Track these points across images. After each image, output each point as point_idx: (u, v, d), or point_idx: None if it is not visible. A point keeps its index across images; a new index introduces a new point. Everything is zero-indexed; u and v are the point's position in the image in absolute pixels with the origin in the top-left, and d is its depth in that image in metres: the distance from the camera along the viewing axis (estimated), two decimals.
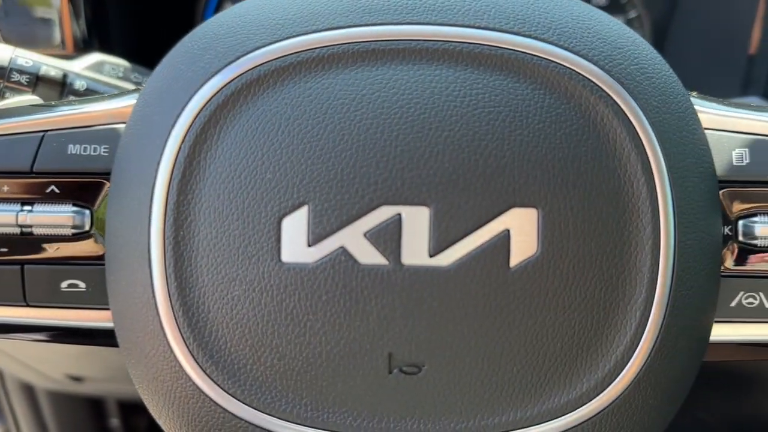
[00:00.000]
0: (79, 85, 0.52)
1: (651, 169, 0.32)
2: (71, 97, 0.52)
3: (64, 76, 0.51)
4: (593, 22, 0.34)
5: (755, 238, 0.35)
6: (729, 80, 0.72)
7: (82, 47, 0.65)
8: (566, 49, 0.32)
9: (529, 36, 0.32)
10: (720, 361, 0.70)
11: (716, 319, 0.36)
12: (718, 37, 0.76)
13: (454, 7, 0.33)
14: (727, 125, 0.36)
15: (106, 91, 0.53)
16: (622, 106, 0.32)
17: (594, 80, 0.32)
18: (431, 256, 0.31)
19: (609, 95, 0.32)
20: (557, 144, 0.31)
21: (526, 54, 0.32)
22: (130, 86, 0.56)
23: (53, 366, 0.81)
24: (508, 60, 0.32)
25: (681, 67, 0.87)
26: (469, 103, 0.32)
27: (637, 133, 0.32)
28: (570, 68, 0.32)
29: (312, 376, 0.32)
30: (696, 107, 0.36)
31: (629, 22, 0.87)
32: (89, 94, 0.53)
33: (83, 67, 0.55)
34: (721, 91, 0.77)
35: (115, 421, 1.02)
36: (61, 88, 0.52)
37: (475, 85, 0.32)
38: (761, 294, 0.35)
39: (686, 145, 0.33)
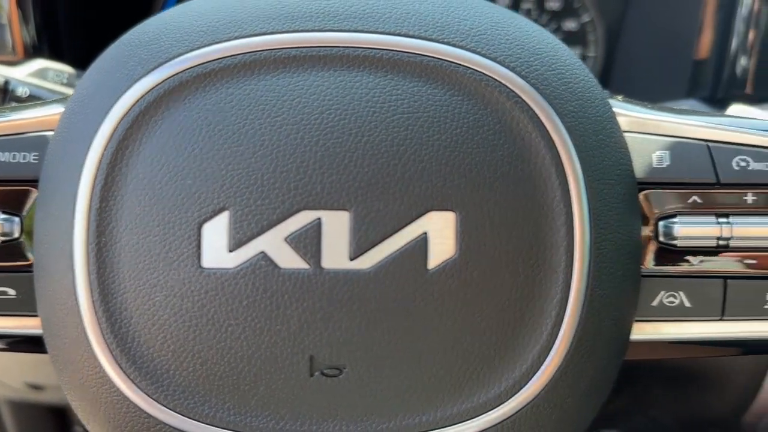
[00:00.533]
0: (22, 91, 0.52)
1: (565, 172, 0.32)
2: (13, 104, 0.52)
3: (6, 82, 0.51)
4: (513, 29, 0.35)
5: (675, 238, 0.36)
6: (677, 84, 0.74)
7: (32, 53, 0.65)
8: (484, 55, 0.33)
9: (448, 43, 0.33)
10: (667, 360, 0.71)
11: (638, 318, 0.37)
12: (666, 42, 0.78)
13: (375, 14, 0.33)
14: (648, 128, 0.37)
15: (49, 98, 0.53)
16: (537, 112, 0.33)
17: (510, 86, 0.33)
18: (351, 259, 0.32)
19: (525, 101, 0.33)
20: (474, 149, 0.32)
21: (445, 61, 0.33)
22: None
23: (11, 374, 0.80)
24: (426, 67, 0.33)
25: (631, 70, 0.88)
26: (388, 108, 0.32)
27: (552, 138, 0.33)
28: (487, 75, 0.33)
29: (234, 380, 0.32)
30: (617, 110, 0.37)
31: (583, 26, 0.88)
32: (32, 100, 0.53)
33: (27, 73, 0.55)
34: (668, 95, 0.79)
35: (79, 429, 1.01)
36: (2, 95, 0.51)
37: (394, 91, 0.32)
38: (681, 293, 0.36)
39: (603, 148, 0.34)
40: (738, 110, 0.46)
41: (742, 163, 0.36)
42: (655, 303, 0.36)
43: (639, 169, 0.36)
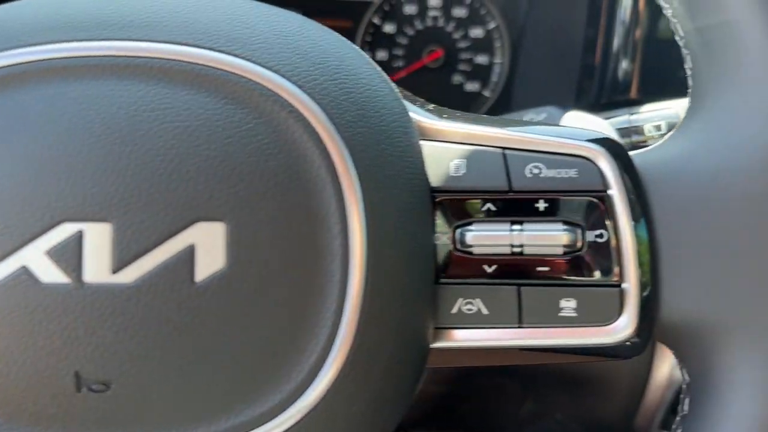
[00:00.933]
0: None
1: (340, 182, 0.32)
2: None
3: None
4: (297, 37, 0.35)
5: (471, 246, 0.36)
6: (568, 90, 0.74)
7: None
8: (259, 64, 0.33)
9: (222, 51, 0.33)
10: (566, 365, 0.71)
11: (439, 326, 0.36)
12: (560, 48, 0.78)
13: (146, 23, 0.33)
14: (447, 136, 0.37)
15: None
16: (313, 122, 0.32)
17: (285, 96, 0.32)
18: (113, 272, 0.31)
19: (300, 111, 0.32)
20: (245, 159, 0.32)
21: (218, 69, 0.32)
22: None
23: None
24: (198, 75, 0.32)
25: (532, 77, 0.89)
26: (156, 118, 0.32)
27: (327, 148, 0.32)
28: (261, 84, 0.32)
29: (3, 396, 0.31)
30: (418, 119, 0.37)
31: (489, 33, 0.88)
32: None
33: None
34: (563, 102, 0.79)
35: None
36: None
37: (164, 100, 0.32)
38: (478, 300, 0.36)
39: (385, 157, 0.34)
40: (573, 117, 0.46)
41: (535, 170, 0.36)
42: (454, 310, 0.36)
43: (435, 177, 0.36)
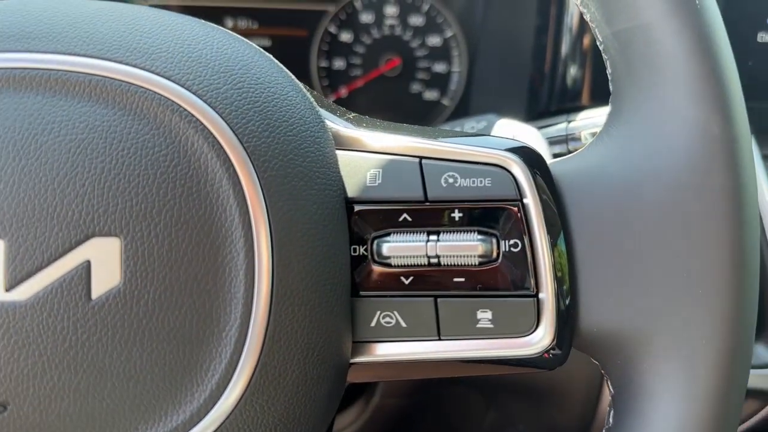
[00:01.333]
0: None
1: (244, 195, 0.31)
2: None
3: None
4: (201, 46, 0.34)
5: (388, 257, 0.35)
6: (522, 98, 0.74)
7: None
8: (157, 73, 0.32)
9: (120, 61, 0.32)
10: (526, 375, 0.70)
11: (359, 340, 0.36)
12: (513, 56, 0.78)
13: (45, 34, 0.32)
14: (364, 145, 0.36)
15: None
16: (215, 132, 0.32)
17: (184, 106, 0.32)
18: (7, 290, 0.30)
19: (200, 121, 0.32)
20: (142, 172, 0.31)
21: (115, 80, 0.32)
22: None
23: None
24: (96, 87, 0.32)
25: (486, 84, 0.88)
26: (51, 131, 0.31)
27: (230, 160, 0.31)
28: (160, 94, 0.32)
29: None
30: (333, 127, 0.36)
31: (446, 42, 0.88)
32: None
33: None
34: (515, 110, 0.79)
35: None
36: None
37: (60, 112, 0.31)
38: (396, 313, 0.35)
39: (294, 167, 0.33)
40: (505, 125, 0.46)
41: (450, 180, 0.35)
42: (373, 323, 0.35)
43: (351, 187, 0.36)
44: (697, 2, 0.33)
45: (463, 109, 0.88)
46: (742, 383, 0.33)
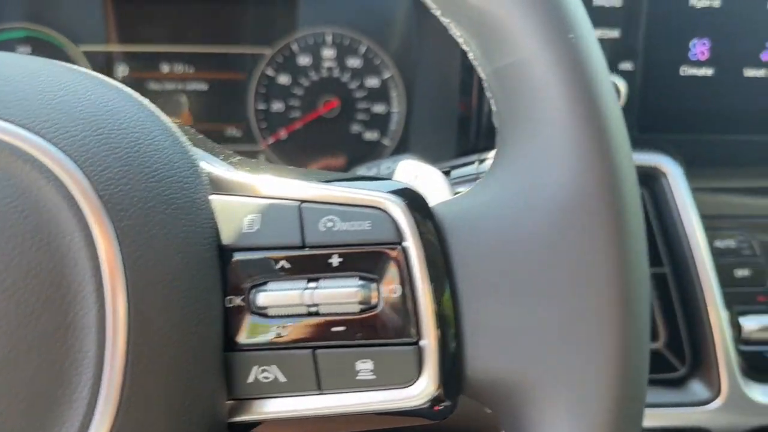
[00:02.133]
0: None
1: (96, 247, 0.30)
2: None
3: None
4: (61, 93, 0.32)
5: (265, 307, 0.33)
6: (453, 136, 0.73)
7: None
8: (11, 122, 0.30)
9: None
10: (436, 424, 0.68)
11: (237, 397, 0.34)
12: (444, 93, 0.77)
13: None
14: (243, 189, 0.35)
15: None
16: (68, 182, 0.30)
17: (37, 155, 0.30)
18: None
19: (52, 171, 0.30)
20: None
21: None
22: None
23: None
24: None
25: (422, 123, 0.87)
26: None
27: (81, 210, 0.30)
28: (11, 143, 0.30)
29: None
30: (209, 171, 0.35)
31: (384, 83, 0.88)
32: None
33: None
34: (447, 150, 0.78)
35: None
36: None
37: None
38: (274, 367, 0.33)
39: (154, 215, 0.31)
40: (408, 165, 0.45)
41: (329, 224, 0.34)
42: (251, 379, 0.34)
43: (227, 234, 0.34)
44: (571, 35, 0.32)
45: (403, 148, 0.88)
46: (635, 428, 0.32)
